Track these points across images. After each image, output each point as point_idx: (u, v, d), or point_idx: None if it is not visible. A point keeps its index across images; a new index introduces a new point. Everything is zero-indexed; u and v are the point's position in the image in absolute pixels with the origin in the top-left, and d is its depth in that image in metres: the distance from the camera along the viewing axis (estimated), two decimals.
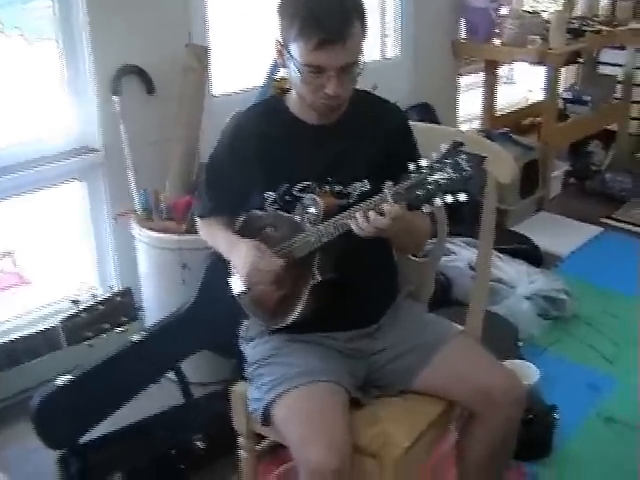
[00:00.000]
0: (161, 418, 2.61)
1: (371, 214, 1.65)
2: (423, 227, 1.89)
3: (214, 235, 2.03)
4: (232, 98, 3.26)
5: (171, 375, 2.69)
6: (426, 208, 1.60)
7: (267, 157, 1.89)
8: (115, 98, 2.87)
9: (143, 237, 2.87)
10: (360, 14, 1.76)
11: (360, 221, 1.67)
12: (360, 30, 1.76)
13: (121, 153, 2.90)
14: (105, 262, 3.11)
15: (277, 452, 2.20)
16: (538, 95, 4.57)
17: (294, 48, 1.74)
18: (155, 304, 2.94)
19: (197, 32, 3.12)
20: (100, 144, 2.93)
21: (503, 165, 2.00)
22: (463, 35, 4.52)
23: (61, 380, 2.40)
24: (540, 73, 4.41)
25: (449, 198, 1.56)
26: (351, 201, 1.83)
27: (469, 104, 5.15)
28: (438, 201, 1.58)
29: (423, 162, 1.59)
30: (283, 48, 1.79)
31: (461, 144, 1.58)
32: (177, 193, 2.92)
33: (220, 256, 2.05)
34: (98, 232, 3.07)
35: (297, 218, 1.82)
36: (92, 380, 2.49)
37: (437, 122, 4.14)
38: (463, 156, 1.55)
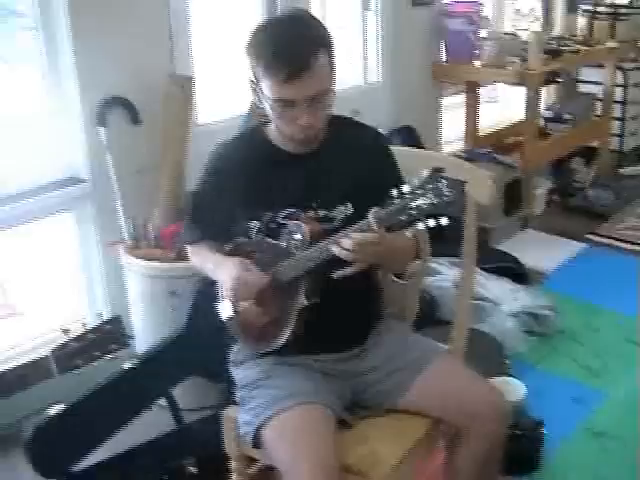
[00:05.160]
0: (153, 444, 2.62)
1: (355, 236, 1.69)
2: (407, 246, 1.92)
3: (202, 258, 2.06)
4: (216, 127, 3.31)
5: (162, 401, 2.71)
6: (409, 232, 1.64)
7: (249, 187, 1.93)
8: (101, 129, 2.90)
9: (132, 265, 2.90)
10: (325, 43, 1.80)
11: (345, 244, 1.70)
12: (326, 59, 1.79)
13: (108, 183, 2.94)
14: (95, 291, 3.13)
15: (269, 475, 2.22)
16: (521, 114, 4.63)
17: (264, 86, 1.79)
18: (145, 331, 2.96)
19: (181, 62, 3.16)
20: (87, 174, 2.96)
21: (481, 186, 2.05)
22: (443, 57, 4.59)
23: (54, 409, 2.42)
24: (522, 92, 4.49)
25: (431, 222, 1.60)
26: (336, 224, 1.87)
27: (453, 124, 5.20)
28: (421, 225, 1.62)
29: (405, 188, 1.62)
30: (256, 86, 1.84)
31: (441, 169, 1.61)
32: (165, 221, 2.95)
33: (208, 282, 2.08)
34: (87, 262, 3.09)
35: (283, 244, 1.86)
36: (85, 408, 2.50)
37: (420, 145, 4.19)
38: (444, 181, 1.59)
